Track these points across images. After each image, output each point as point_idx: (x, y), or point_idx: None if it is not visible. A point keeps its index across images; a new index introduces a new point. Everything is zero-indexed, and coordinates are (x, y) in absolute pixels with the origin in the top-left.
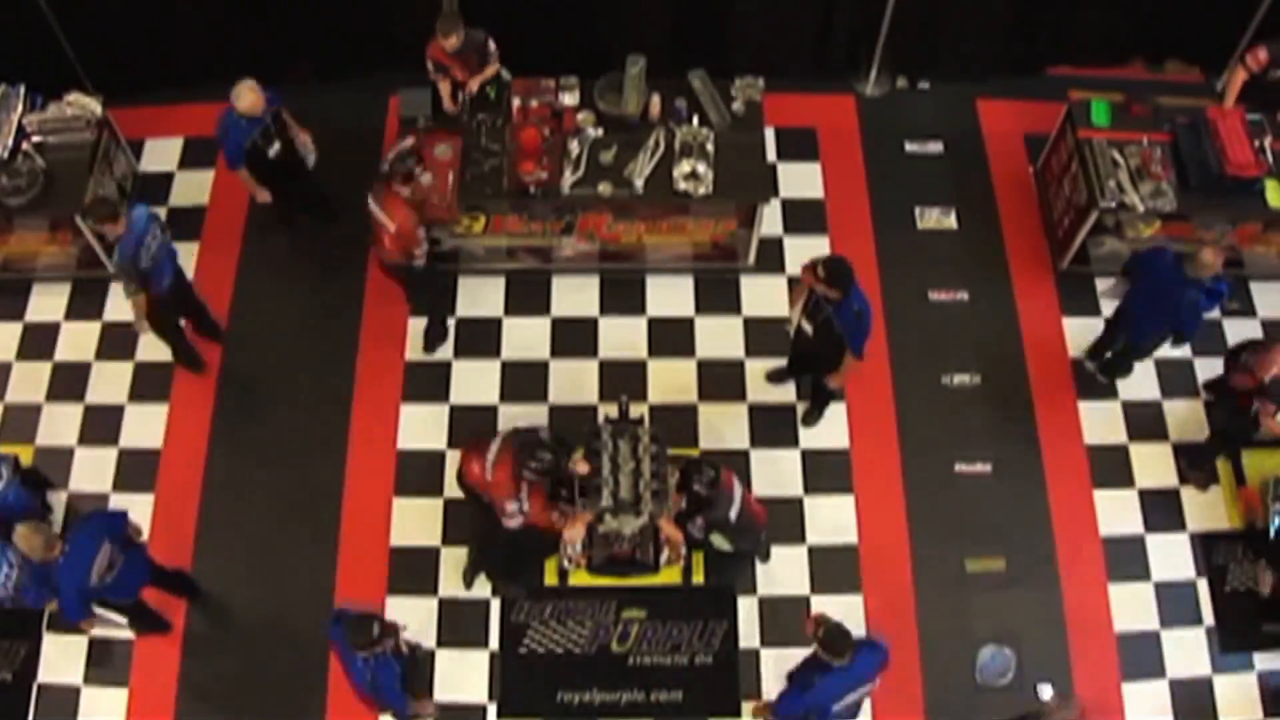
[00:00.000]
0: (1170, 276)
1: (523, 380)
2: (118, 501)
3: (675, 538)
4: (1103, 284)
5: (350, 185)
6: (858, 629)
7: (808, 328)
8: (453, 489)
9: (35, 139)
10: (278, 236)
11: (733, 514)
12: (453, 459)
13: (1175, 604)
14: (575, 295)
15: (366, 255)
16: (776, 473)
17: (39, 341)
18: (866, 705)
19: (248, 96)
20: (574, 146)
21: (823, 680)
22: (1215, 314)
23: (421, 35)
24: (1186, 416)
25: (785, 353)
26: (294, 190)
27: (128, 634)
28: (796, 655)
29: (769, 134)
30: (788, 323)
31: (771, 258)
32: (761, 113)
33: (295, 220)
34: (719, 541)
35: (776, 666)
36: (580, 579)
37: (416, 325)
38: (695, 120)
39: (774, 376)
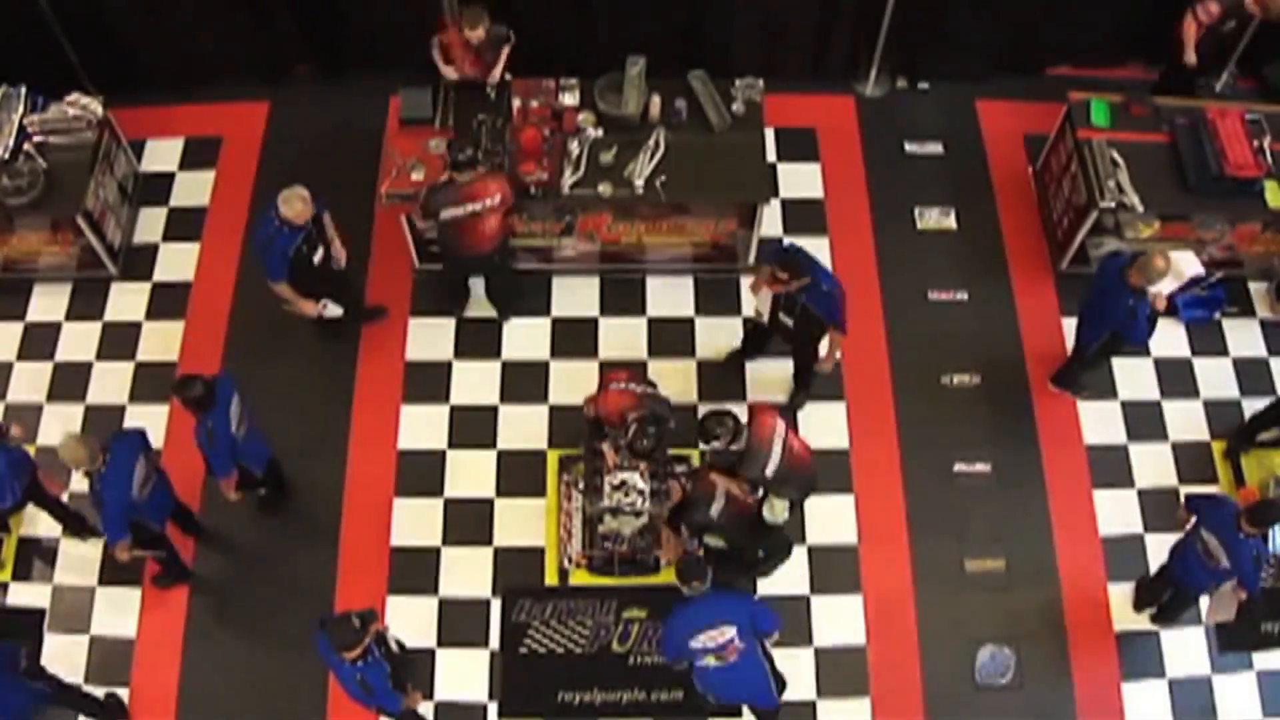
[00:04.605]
0: (1113, 281)
1: (523, 380)
2: None
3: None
4: None
5: (349, 185)
6: (857, 629)
7: (789, 321)
8: (453, 489)
9: (36, 139)
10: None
11: (714, 512)
12: (453, 459)
13: None
14: (575, 295)
15: (367, 254)
16: None
17: (39, 341)
18: (865, 705)
19: (298, 204)
20: (574, 147)
21: (678, 610)
22: (1215, 316)
23: (422, 35)
24: (1187, 416)
25: (783, 352)
26: (344, 300)
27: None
28: (797, 655)
29: (769, 134)
30: (757, 315)
31: None
32: (761, 113)
33: (355, 331)
34: (713, 541)
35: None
36: (580, 579)
37: (416, 325)
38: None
39: (731, 361)
